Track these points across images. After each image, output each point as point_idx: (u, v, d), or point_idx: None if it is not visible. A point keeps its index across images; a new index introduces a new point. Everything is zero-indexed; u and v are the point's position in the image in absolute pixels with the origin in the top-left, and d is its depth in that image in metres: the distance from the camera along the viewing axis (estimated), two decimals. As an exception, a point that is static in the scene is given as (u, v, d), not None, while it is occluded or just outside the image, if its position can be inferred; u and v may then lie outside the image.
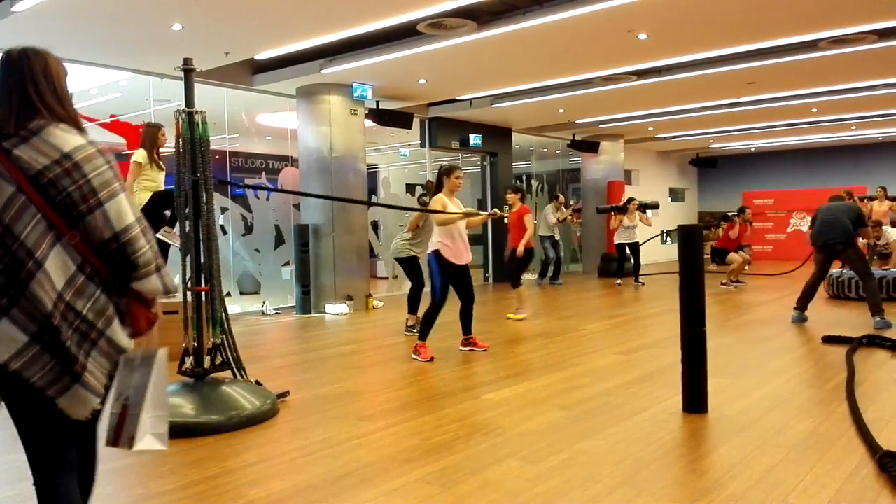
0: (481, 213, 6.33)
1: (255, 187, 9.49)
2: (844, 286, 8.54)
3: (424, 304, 7.09)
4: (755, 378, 4.60)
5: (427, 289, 6.95)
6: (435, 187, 5.82)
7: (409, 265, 7.06)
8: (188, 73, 4.16)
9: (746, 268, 11.23)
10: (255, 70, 8.69)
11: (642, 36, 7.13)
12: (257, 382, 4.28)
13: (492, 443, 3.36)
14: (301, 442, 3.46)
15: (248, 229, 9.40)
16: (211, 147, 4.15)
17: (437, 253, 5.54)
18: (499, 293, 11.05)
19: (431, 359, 5.39)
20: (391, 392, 4.54)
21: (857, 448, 3.13)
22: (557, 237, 12.46)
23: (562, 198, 12.74)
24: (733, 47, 7.91)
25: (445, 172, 5.71)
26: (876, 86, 10.14)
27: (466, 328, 5.83)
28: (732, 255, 10.69)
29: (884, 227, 9.28)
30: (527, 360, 5.43)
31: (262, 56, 7.73)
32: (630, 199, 11.83)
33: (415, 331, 6.62)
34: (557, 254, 12.35)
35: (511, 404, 4.07)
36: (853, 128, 14.63)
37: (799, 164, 18.04)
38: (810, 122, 13.69)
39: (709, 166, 18.60)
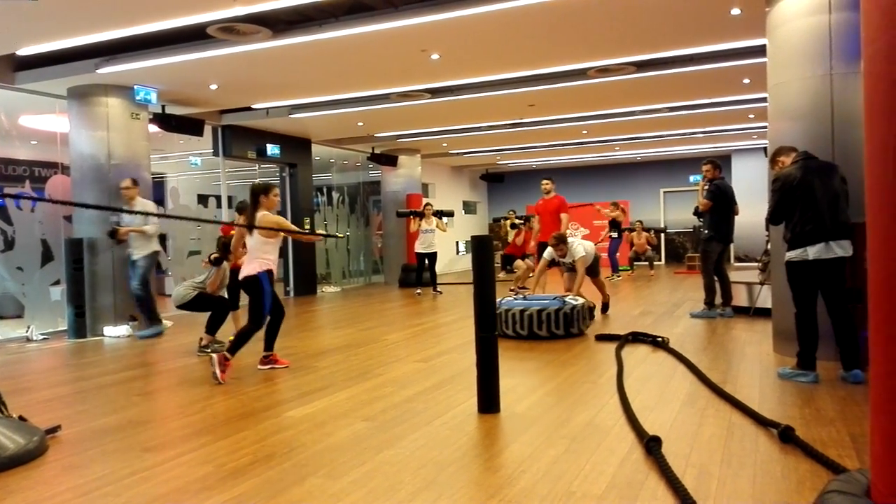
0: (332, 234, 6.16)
1: (17, 197, 8.39)
2: (501, 319, 6.64)
3: (227, 326, 6.71)
4: (540, 376, 4.97)
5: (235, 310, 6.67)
6: (251, 206, 5.51)
7: (200, 302, 6.52)
8: (-74, 64, 3.59)
9: (530, 274, 12.13)
10: (17, 67, 7.72)
11: (435, 56, 7.45)
12: (21, 418, 3.78)
13: (293, 462, 3.27)
14: (76, 481, 3.11)
15: (9, 245, 8.27)
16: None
17: (269, 272, 5.41)
18: (300, 307, 10.84)
19: (223, 382, 5.09)
20: (182, 418, 4.23)
21: (627, 435, 3.49)
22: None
23: None
24: (515, 72, 8.55)
25: (263, 191, 5.46)
26: (635, 111, 11.52)
27: (269, 344, 5.62)
28: (518, 263, 11.54)
29: (569, 241, 7.83)
30: (330, 373, 5.37)
31: (25, 52, 6.88)
32: (427, 204, 12.34)
33: (208, 351, 6.27)
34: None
35: (313, 420, 4.00)
36: (617, 148, 16.49)
37: (574, 181, 19.88)
38: (582, 143, 15.22)
39: (497, 181, 19.91)
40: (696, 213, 7.96)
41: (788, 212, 4.54)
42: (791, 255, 4.54)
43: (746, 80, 9.06)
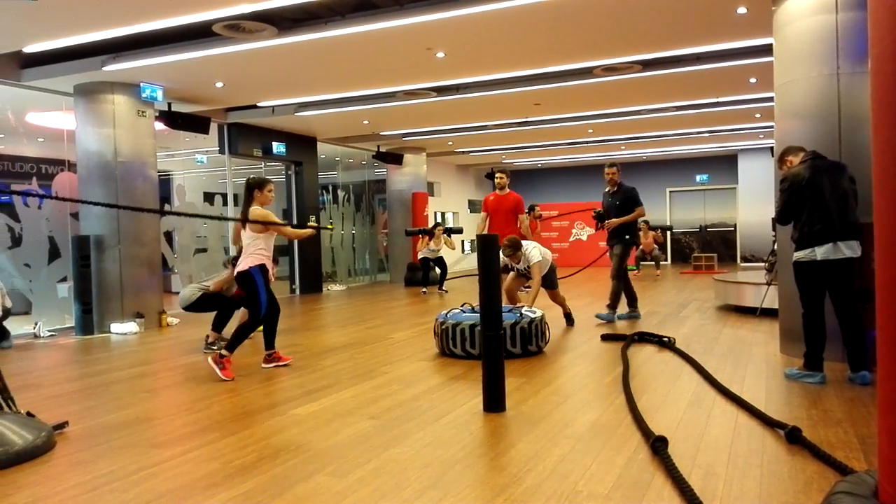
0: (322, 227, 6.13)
1: (23, 193, 8.42)
2: (448, 336, 5.77)
3: (231, 324, 6.75)
4: (545, 375, 4.96)
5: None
6: (245, 201, 5.53)
7: (204, 303, 6.60)
8: (-64, 62, 3.61)
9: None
10: (23, 64, 7.75)
11: (440, 54, 7.45)
12: (29, 413, 3.80)
13: (299, 459, 3.28)
14: (83, 477, 3.13)
15: (16, 241, 8.32)
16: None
17: (263, 266, 5.41)
18: (305, 305, 10.86)
19: (232, 378, 5.14)
20: (188, 415, 4.25)
21: (633, 434, 3.49)
22: None
23: None
24: (521, 70, 8.54)
25: (257, 185, 5.46)
26: (641, 110, 11.49)
27: (270, 342, 5.64)
28: None
29: (524, 245, 6.90)
30: (335, 371, 5.38)
31: (31, 49, 6.91)
32: (437, 224, 12.34)
33: (215, 348, 6.29)
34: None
35: (319, 418, 4.01)
36: (623, 147, 16.46)
37: (578, 180, 19.90)
38: (587, 142, 15.20)
39: (502, 180, 19.87)
40: (600, 218, 7.75)
41: (797, 212, 4.52)
42: (799, 255, 4.52)
43: (753, 80, 9.03)
